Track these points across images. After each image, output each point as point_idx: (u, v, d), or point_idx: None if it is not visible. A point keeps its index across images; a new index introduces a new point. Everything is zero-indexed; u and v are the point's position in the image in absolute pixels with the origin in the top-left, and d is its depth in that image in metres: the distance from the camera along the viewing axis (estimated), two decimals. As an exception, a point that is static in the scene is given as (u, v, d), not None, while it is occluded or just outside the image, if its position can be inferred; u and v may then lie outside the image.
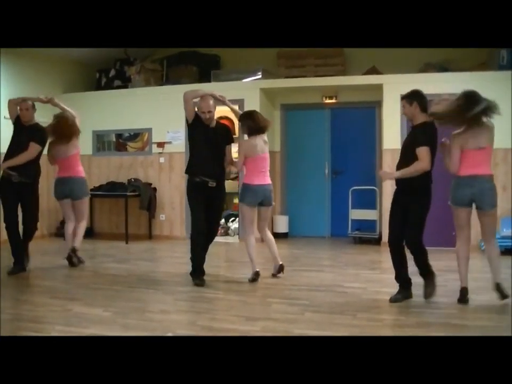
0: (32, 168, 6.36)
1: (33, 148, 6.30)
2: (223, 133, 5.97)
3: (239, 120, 6.17)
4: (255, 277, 5.81)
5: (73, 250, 6.74)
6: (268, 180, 6.00)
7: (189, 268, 5.84)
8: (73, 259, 6.73)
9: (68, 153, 6.72)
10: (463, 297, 4.84)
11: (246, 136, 6.14)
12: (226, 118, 9.70)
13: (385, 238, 8.53)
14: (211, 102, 5.76)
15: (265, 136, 5.99)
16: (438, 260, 5.12)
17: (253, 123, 5.87)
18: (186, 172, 6.03)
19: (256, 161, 5.89)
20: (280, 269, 6.05)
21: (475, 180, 4.76)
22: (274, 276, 6.03)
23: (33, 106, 6.50)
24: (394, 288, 5.58)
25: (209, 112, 5.73)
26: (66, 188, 6.72)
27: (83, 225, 6.93)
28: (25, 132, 6.36)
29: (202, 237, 5.73)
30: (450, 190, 4.92)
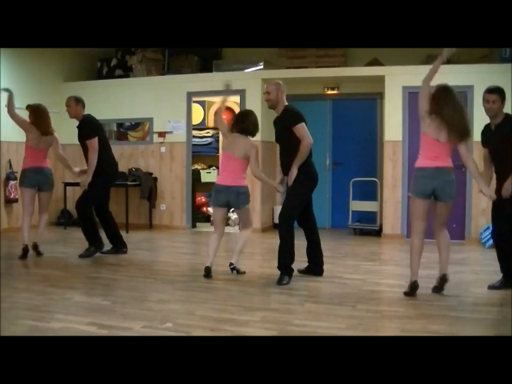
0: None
1: (91, 143, 6.39)
2: (282, 118, 5.61)
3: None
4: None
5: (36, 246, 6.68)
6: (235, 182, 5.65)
7: (189, 257, 5.83)
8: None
9: (47, 144, 6.66)
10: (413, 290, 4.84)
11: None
12: (227, 108, 9.69)
13: (386, 229, 8.56)
14: (271, 86, 5.66)
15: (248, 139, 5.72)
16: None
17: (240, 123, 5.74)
18: None
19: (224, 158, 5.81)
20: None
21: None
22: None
23: (76, 101, 6.59)
24: (393, 279, 5.59)
25: (265, 94, 5.72)
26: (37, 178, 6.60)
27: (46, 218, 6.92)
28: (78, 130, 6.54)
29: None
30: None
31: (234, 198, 5.63)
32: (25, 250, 6.48)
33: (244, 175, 5.71)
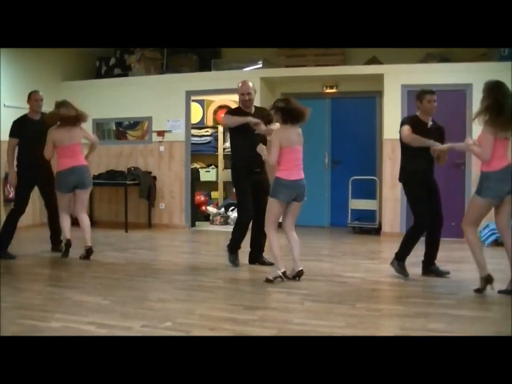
0: None
1: None
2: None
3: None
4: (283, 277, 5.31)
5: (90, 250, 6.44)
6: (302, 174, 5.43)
7: (188, 256, 5.83)
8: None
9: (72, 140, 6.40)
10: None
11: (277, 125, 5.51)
12: (226, 106, 9.70)
13: (385, 228, 8.56)
14: (250, 84, 6.08)
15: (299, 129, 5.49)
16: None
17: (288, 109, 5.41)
18: None
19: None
20: (298, 274, 5.37)
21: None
22: (288, 279, 5.35)
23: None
24: (393, 278, 5.59)
25: (249, 94, 6.06)
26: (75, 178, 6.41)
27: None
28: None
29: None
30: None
31: (302, 191, 5.43)
32: (67, 245, 6.42)
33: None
